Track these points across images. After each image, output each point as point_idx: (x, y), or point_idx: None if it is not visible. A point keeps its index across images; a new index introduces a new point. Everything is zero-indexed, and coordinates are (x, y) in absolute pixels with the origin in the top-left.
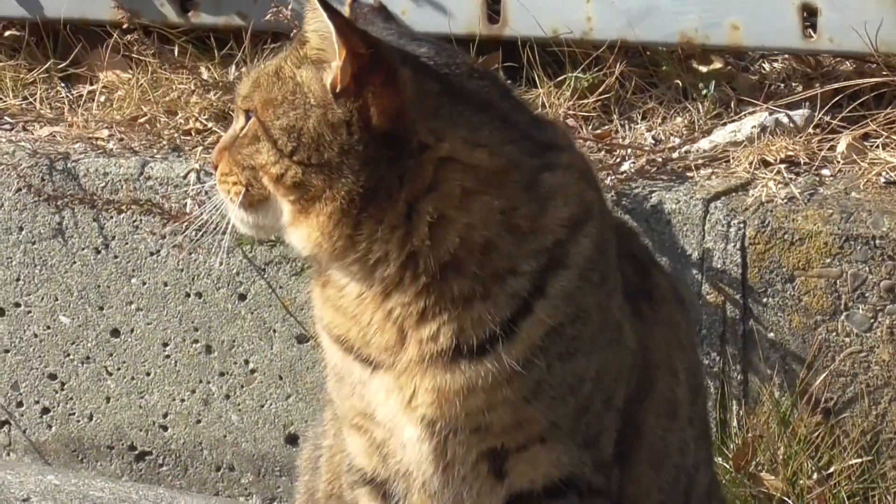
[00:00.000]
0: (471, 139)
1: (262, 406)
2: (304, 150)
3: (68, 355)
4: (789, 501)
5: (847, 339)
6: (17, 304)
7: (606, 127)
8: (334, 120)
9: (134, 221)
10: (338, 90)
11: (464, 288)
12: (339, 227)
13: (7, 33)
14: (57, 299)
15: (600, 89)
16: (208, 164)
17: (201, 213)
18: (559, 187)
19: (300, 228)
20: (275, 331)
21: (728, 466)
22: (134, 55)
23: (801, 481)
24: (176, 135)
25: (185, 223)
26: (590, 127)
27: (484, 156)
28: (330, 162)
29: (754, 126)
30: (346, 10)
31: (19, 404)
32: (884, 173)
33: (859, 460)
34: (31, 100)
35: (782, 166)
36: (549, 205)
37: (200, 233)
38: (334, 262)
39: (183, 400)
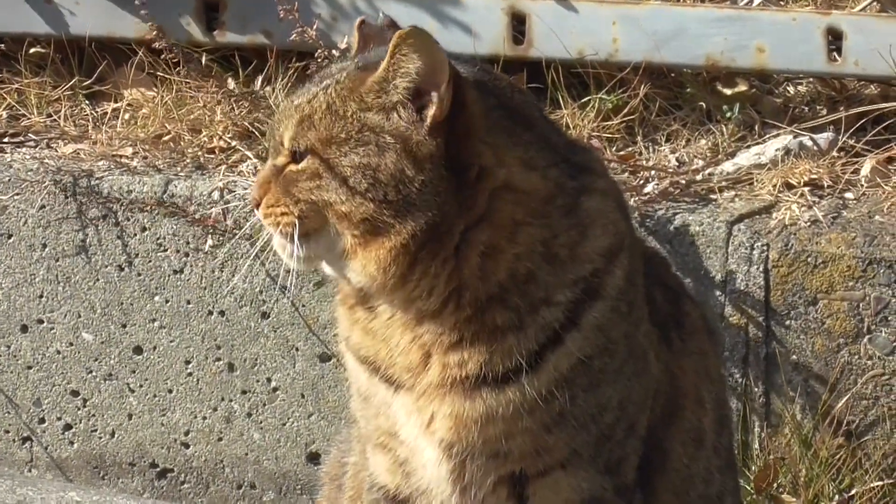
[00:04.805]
0: (525, 159)
1: (285, 424)
2: (380, 188)
3: (91, 372)
4: None
5: (869, 362)
6: (41, 321)
7: (630, 149)
8: (420, 154)
9: (158, 239)
10: (436, 122)
11: (504, 319)
12: (397, 263)
13: (32, 50)
14: (80, 316)
15: (625, 111)
16: (232, 182)
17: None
18: (597, 214)
19: (356, 260)
20: (297, 349)
21: (749, 488)
22: (159, 73)
23: (823, 503)
24: (200, 153)
25: (216, 230)
26: (614, 148)
27: (535, 179)
28: (407, 197)
29: (778, 149)
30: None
31: (41, 421)
32: None
33: (881, 483)
34: (55, 117)
35: (806, 189)
36: (589, 233)
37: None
38: (380, 293)
39: (205, 418)
